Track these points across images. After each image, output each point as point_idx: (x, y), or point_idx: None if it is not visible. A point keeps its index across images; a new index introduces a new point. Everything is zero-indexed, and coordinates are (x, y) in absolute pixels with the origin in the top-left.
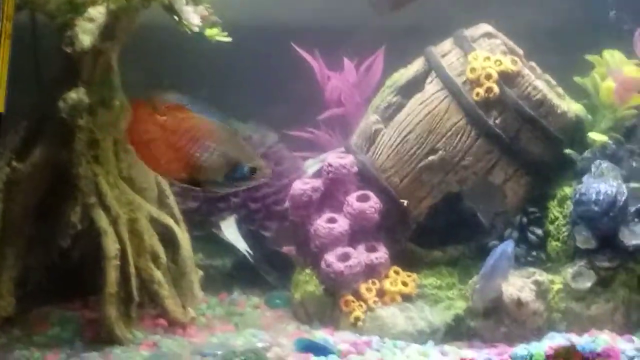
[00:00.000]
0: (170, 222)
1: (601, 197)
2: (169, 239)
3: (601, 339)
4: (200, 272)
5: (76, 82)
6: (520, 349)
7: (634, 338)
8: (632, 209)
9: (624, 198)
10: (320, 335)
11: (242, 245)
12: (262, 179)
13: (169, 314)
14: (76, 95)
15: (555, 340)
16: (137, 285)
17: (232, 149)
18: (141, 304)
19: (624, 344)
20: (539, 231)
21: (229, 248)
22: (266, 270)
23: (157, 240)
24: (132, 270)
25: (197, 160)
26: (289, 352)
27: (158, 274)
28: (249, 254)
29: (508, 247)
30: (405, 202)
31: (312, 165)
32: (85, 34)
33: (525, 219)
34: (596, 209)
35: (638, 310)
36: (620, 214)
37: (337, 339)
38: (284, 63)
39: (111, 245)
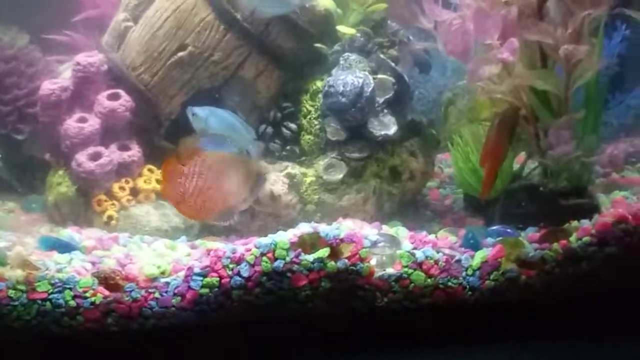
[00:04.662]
0: None
1: (348, 88)
2: None
3: (345, 226)
4: None
5: None
6: (265, 238)
7: (383, 226)
8: (381, 100)
9: (370, 89)
10: (67, 233)
11: None
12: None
13: None
14: None
15: (301, 229)
16: None
17: (249, 169)
18: None
19: (369, 230)
20: (293, 125)
21: None
22: (8, 174)
23: None
24: None
25: (227, 191)
26: (32, 250)
27: None
28: None
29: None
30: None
31: (67, 68)
32: None
33: (279, 114)
34: (343, 100)
35: (389, 200)
36: (367, 105)
37: (84, 236)
38: None
39: None
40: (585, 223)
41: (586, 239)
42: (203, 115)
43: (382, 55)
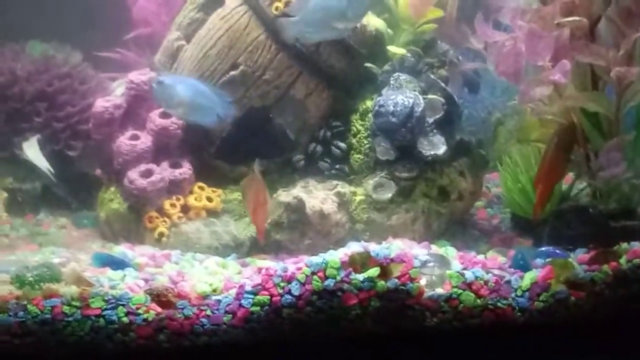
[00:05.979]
0: None
1: (398, 109)
2: None
3: (395, 245)
4: (5, 194)
5: None
6: (317, 257)
7: (432, 245)
8: (431, 120)
9: (420, 109)
10: (119, 249)
11: (44, 164)
12: None
13: None
14: None
15: (351, 248)
16: None
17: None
18: None
19: (419, 250)
20: (342, 144)
21: (36, 171)
22: (63, 190)
23: None
24: None
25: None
26: (86, 266)
27: None
28: (51, 173)
29: None
30: None
31: (120, 85)
32: None
33: (328, 133)
34: (394, 120)
35: (437, 219)
36: (417, 125)
37: (137, 253)
38: None
39: None
40: (636, 245)
41: (636, 261)
42: (170, 83)
43: (432, 76)
